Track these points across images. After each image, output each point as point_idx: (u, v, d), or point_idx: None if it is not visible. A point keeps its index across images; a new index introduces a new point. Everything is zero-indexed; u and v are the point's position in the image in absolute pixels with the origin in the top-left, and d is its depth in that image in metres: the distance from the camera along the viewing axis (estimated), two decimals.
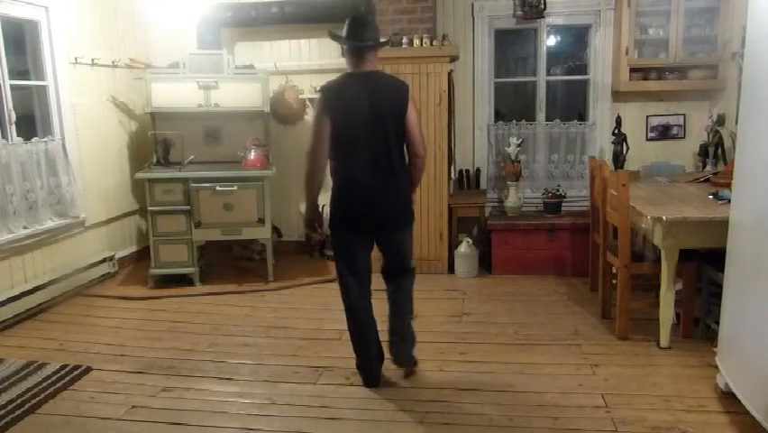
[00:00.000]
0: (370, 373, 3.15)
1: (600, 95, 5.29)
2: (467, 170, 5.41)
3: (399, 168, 3.03)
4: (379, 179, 2.97)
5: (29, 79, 4.54)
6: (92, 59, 4.88)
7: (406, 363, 3.23)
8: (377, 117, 2.91)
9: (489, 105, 5.46)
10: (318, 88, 3.00)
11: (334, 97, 2.93)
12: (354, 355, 3.18)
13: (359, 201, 3.02)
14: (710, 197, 3.69)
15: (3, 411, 2.89)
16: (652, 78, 5.01)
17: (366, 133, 2.92)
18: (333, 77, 5.46)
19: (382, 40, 3.12)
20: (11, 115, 4.17)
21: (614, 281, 3.85)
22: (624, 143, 5.02)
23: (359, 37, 2.94)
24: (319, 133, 2.90)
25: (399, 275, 3.20)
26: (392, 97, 2.96)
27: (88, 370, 3.36)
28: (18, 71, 4.39)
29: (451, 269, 5.07)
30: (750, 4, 2.65)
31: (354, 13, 3.34)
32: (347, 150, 2.96)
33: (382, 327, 3.19)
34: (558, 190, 5.23)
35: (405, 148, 3.04)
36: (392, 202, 3.04)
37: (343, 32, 2.97)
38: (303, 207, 3.07)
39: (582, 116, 5.47)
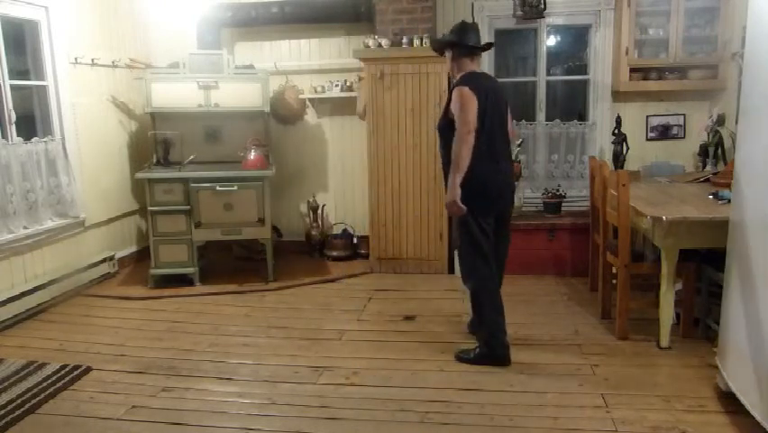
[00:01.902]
0: (508, 349, 3.34)
1: (600, 95, 5.29)
2: None
3: (510, 153, 3.52)
4: (508, 165, 3.45)
5: (29, 79, 4.53)
6: (92, 59, 4.88)
7: None
8: (503, 110, 3.38)
9: None
10: (461, 81, 3.29)
11: (481, 88, 3.23)
12: (493, 337, 3.33)
13: (503, 185, 3.39)
14: (710, 197, 3.69)
15: (3, 411, 2.89)
16: (652, 78, 5.01)
17: (499, 123, 3.33)
18: (334, 76, 5.57)
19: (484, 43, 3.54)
20: (11, 114, 4.17)
21: (614, 281, 3.85)
22: (624, 143, 5.02)
23: (477, 41, 3.38)
24: (474, 115, 3.16)
25: (503, 257, 3.53)
26: (503, 94, 3.42)
27: (88, 370, 3.36)
28: (18, 71, 4.39)
29: (451, 269, 5.07)
30: (750, 4, 2.65)
31: (464, 20, 3.64)
32: (490, 137, 3.26)
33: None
34: (558, 190, 5.23)
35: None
36: (512, 184, 3.52)
37: (461, 38, 3.33)
38: (453, 187, 3.21)
39: (582, 116, 5.46)
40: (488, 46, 3.56)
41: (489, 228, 3.31)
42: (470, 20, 5.22)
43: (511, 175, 3.48)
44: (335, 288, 4.89)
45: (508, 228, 3.53)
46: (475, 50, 3.37)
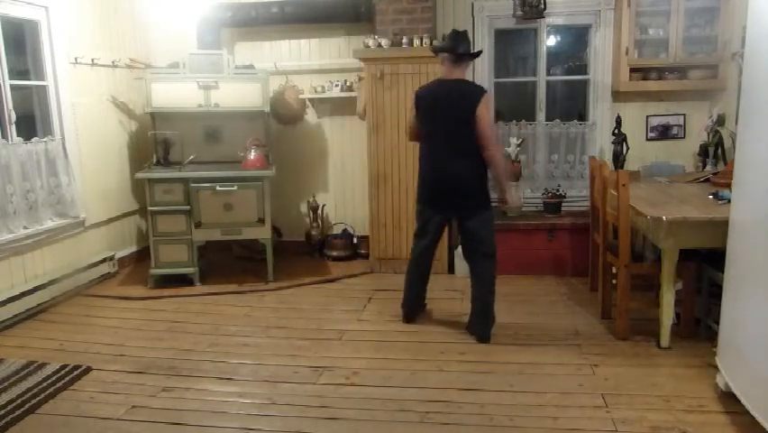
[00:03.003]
0: (405, 309, 4.03)
1: (600, 95, 5.29)
2: None
3: (471, 158, 3.59)
4: (453, 166, 3.59)
5: (29, 79, 4.53)
6: (92, 59, 4.88)
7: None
8: (457, 115, 3.56)
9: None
10: (420, 87, 3.87)
11: (427, 95, 3.71)
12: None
13: (438, 184, 3.67)
14: (710, 197, 3.69)
15: (3, 411, 2.89)
16: (652, 78, 5.01)
17: (446, 127, 3.59)
18: (334, 77, 5.57)
19: (473, 51, 3.82)
20: (11, 114, 4.17)
21: (614, 281, 3.85)
22: (624, 143, 5.02)
23: (461, 48, 3.64)
24: (410, 119, 3.87)
25: (479, 258, 3.71)
26: (465, 99, 3.57)
27: (88, 370, 3.36)
28: (18, 71, 4.39)
29: (451, 269, 5.08)
30: (750, 4, 2.65)
31: (455, 29, 3.85)
32: (432, 139, 3.68)
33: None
34: (558, 190, 5.24)
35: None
36: (462, 187, 3.63)
37: (451, 46, 3.65)
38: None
39: (582, 116, 5.46)
40: (475, 55, 3.81)
41: (426, 213, 3.78)
42: (469, 22, 5.27)
43: (457, 176, 3.61)
44: (335, 288, 4.89)
45: (474, 227, 3.67)
46: (462, 58, 3.67)
